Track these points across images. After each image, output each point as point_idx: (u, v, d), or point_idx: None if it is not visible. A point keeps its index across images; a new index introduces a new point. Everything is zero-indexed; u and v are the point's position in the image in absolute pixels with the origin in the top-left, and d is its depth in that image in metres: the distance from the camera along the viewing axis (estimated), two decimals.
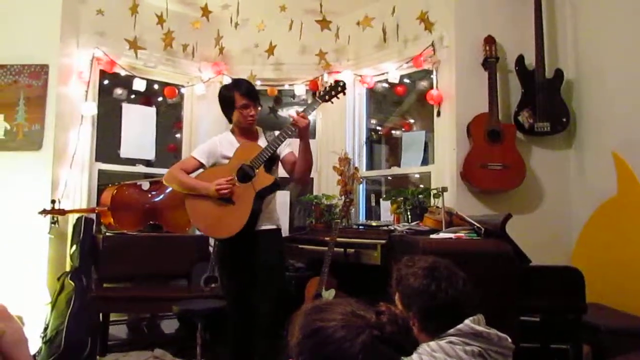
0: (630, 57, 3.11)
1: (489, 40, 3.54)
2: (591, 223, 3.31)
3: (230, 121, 3.00)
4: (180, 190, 2.89)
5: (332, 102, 2.99)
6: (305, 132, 2.79)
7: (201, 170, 2.92)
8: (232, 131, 3.00)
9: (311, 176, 4.40)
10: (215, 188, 2.73)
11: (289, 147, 2.96)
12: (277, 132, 2.88)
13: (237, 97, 2.86)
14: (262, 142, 2.91)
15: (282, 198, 3.99)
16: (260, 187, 2.74)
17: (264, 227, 2.86)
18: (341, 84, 2.92)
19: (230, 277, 2.94)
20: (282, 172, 3.02)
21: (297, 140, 2.85)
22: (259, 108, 2.96)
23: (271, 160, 2.85)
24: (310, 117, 2.84)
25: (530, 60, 3.54)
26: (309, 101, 4.88)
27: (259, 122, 3.02)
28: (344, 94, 2.96)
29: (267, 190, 2.78)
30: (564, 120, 3.50)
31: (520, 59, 3.55)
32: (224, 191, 2.72)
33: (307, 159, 2.86)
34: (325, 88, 2.98)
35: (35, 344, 3.24)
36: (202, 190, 2.78)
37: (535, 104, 3.49)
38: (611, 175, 3.12)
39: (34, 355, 3.19)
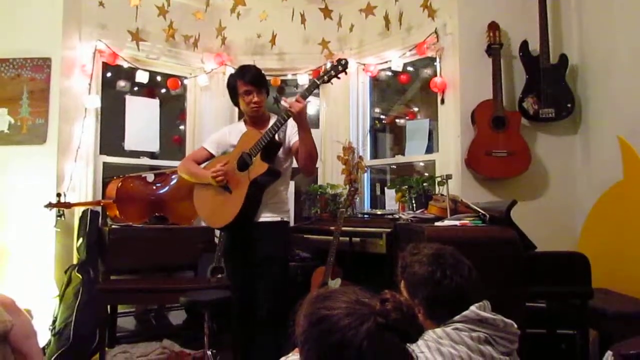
0: (636, 41, 3.07)
1: (493, 27, 3.51)
2: (597, 208, 3.30)
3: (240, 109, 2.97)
4: (192, 180, 2.90)
5: (332, 83, 2.82)
6: (300, 118, 2.57)
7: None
8: (245, 120, 2.96)
9: (316, 166, 4.38)
10: (211, 175, 2.72)
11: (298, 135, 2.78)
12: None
13: (239, 84, 2.79)
14: None
15: (289, 188, 3.98)
16: (254, 176, 2.66)
17: (265, 219, 2.78)
18: (342, 62, 2.62)
19: (233, 268, 2.94)
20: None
21: None
22: (266, 94, 2.86)
23: (270, 148, 2.72)
24: (314, 107, 2.76)
25: (534, 46, 3.51)
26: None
27: None
28: (345, 72, 2.67)
29: (261, 178, 2.67)
30: (569, 106, 3.47)
31: (524, 45, 3.52)
32: (219, 177, 2.70)
33: (306, 147, 2.66)
34: (325, 69, 2.82)
35: (44, 337, 3.27)
36: (203, 179, 2.79)
37: (540, 90, 3.47)
38: (617, 160, 3.11)
39: (43, 348, 3.22)
